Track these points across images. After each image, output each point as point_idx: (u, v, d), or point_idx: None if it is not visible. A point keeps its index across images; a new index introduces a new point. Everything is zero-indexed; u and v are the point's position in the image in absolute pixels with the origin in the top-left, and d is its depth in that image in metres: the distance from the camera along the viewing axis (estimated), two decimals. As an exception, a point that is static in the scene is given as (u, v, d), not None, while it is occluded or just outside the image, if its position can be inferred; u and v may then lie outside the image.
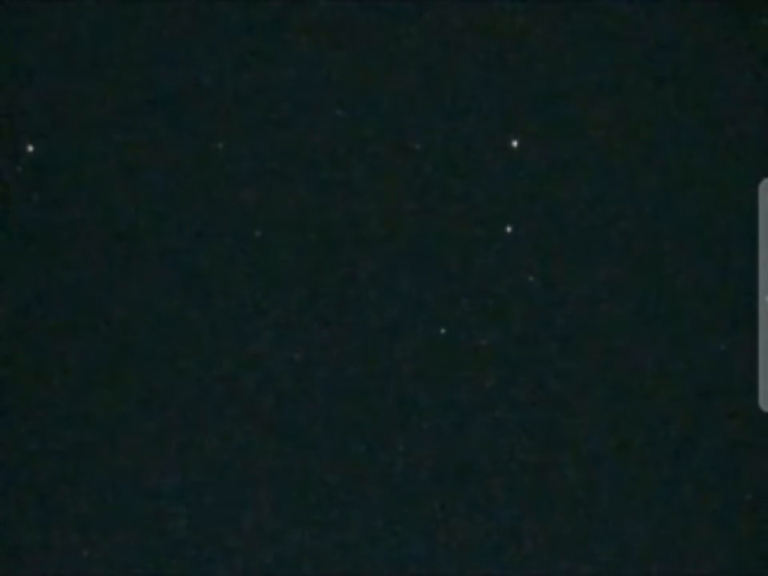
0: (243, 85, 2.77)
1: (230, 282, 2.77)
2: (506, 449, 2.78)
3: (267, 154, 2.77)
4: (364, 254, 2.78)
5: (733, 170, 2.77)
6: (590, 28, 2.77)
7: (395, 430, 2.78)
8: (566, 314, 2.79)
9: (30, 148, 2.75)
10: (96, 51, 2.76)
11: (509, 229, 2.79)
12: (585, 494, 2.78)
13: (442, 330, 2.78)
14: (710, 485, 2.77)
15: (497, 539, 2.78)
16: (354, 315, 2.78)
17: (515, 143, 2.78)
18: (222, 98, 2.77)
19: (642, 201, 2.79)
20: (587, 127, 2.78)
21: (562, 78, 2.78)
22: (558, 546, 2.78)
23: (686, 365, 2.78)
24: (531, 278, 2.79)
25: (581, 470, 2.78)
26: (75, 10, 2.75)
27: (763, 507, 2.76)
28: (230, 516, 2.76)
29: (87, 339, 2.75)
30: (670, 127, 2.78)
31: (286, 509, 2.77)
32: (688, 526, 2.77)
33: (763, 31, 2.77)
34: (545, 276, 2.79)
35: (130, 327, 2.76)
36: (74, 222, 2.76)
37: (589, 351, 2.78)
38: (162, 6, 2.75)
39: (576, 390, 2.78)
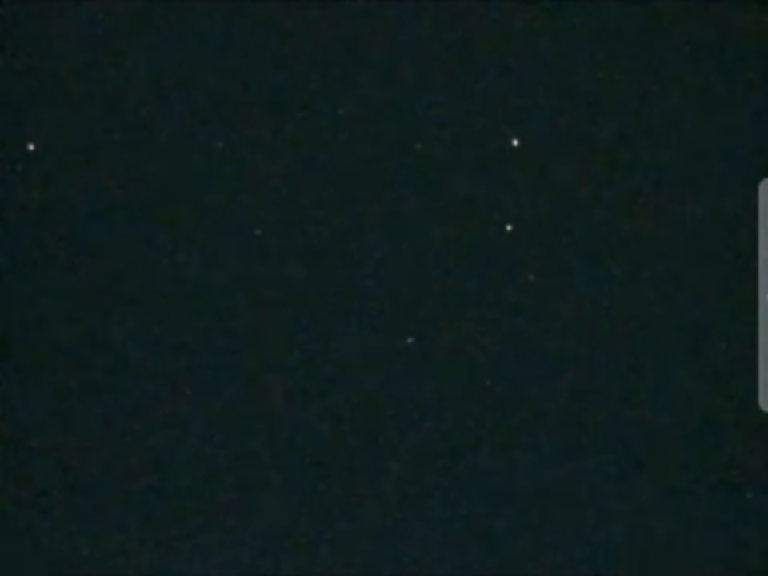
0: (244, 84, 2.77)
1: (230, 281, 2.77)
2: (506, 448, 2.78)
3: (267, 154, 2.77)
4: (364, 255, 2.78)
5: (733, 169, 2.77)
6: (591, 27, 2.77)
7: (394, 430, 2.78)
8: (566, 313, 2.79)
9: (31, 147, 2.75)
10: (96, 51, 2.76)
11: (509, 228, 2.79)
12: (582, 494, 2.78)
13: (442, 330, 2.78)
14: (710, 485, 2.77)
15: (495, 539, 2.79)
16: (352, 315, 2.78)
17: (515, 143, 2.78)
18: (222, 97, 2.77)
19: (642, 200, 2.79)
20: (587, 127, 2.78)
21: (563, 77, 2.78)
22: (557, 545, 2.78)
23: (686, 364, 2.78)
24: (531, 278, 2.79)
25: (578, 467, 2.78)
26: (75, 9, 2.75)
27: (763, 507, 2.76)
28: (230, 516, 2.77)
29: (86, 338, 2.75)
30: (670, 127, 2.78)
31: (284, 509, 2.77)
32: (688, 526, 2.77)
33: (764, 30, 2.77)
34: (545, 276, 2.79)
35: (130, 326, 2.76)
36: (74, 222, 2.76)
37: (589, 350, 2.78)
38: (162, 5, 2.75)
39: (576, 389, 2.78)
